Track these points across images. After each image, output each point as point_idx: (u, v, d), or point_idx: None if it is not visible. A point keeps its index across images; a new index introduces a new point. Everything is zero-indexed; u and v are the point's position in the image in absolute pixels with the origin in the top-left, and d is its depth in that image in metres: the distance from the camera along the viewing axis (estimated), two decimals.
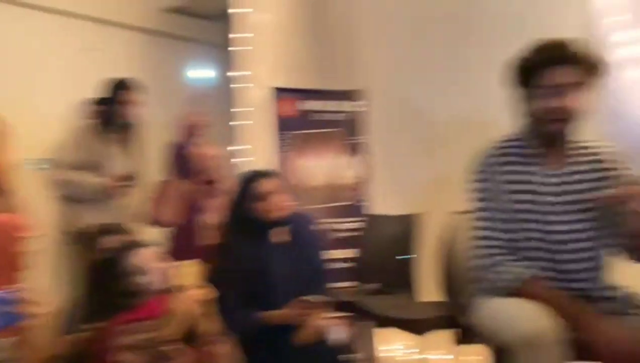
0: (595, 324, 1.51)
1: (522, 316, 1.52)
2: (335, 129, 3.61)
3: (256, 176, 2.19)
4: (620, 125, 2.74)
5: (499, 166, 1.75)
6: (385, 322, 2.56)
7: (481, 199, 1.77)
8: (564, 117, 1.68)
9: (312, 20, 3.84)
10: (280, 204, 2.13)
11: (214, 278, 2.19)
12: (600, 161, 1.73)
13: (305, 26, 3.80)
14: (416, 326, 2.40)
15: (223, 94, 3.79)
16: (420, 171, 3.43)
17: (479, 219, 1.76)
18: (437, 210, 2.32)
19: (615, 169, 1.72)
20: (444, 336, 2.24)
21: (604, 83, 2.76)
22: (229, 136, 3.48)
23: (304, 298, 2.01)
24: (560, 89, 1.65)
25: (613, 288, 1.70)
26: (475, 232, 1.77)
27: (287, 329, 1.99)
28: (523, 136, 1.78)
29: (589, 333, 1.50)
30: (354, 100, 3.65)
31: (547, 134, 1.73)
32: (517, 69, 1.73)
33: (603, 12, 2.82)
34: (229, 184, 3.24)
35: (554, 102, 1.66)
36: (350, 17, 3.86)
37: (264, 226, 2.14)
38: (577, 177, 1.71)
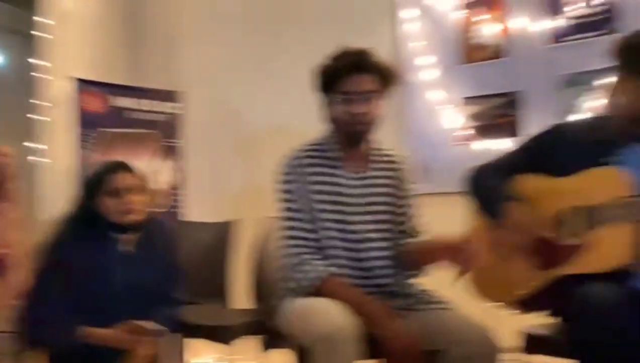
0: (385, 320, 1.58)
1: (320, 315, 1.54)
2: (150, 131, 3.41)
3: (115, 167, 1.89)
4: (419, 141, 3.00)
5: (303, 168, 1.78)
6: (195, 331, 2.44)
7: (287, 201, 1.79)
8: (366, 122, 1.76)
9: (127, 13, 3.62)
10: (136, 205, 1.86)
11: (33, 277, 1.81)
12: (398, 170, 1.85)
13: (118, 18, 3.56)
14: (225, 334, 2.32)
15: (23, 85, 3.37)
16: (237, 177, 3.38)
17: (285, 219, 1.78)
18: (254, 216, 2.29)
19: (408, 181, 1.86)
20: (253, 343, 2.21)
21: (406, 100, 3.03)
22: (27, 130, 3.09)
23: (137, 322, 1.75)
24: (362, 96, 1.73)
25: (410, 284, 1.80)
26: (282, 232, 1.77)
27: (109, 352, 1.72)
28: (326, 139, 1.84)
29: (380, 329, 1.56)
30: (172, 101, 3.49)
31: (349, 138, 1.80)
32: (320, 75, 1.79)
33: (409, 36, 3.08)
34: (18, 186, 2.86)
35: (356, 108, 1.73)
36: (168, 14, 3.71)
37: (112, 227, 1.85)
38: (377, 181, 1.81)
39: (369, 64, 1.74)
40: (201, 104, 3.48)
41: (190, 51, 3.60)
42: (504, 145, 2.74)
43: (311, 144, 1.84)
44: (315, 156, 1.81)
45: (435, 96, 3.00)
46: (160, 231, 1.98)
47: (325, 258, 1.71)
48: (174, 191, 3.46)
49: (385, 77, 1.76)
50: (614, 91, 1.67)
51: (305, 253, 1.71)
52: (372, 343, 1.57)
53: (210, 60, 3.53)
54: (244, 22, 3.48)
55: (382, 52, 3.24)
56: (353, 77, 1.72)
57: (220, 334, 2.33)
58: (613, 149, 1.69)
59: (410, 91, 3.04)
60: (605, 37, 2.50)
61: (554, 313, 1.73)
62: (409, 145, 2.92)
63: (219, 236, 2.90)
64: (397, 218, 1.81)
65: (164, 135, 3.46)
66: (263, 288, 2.07)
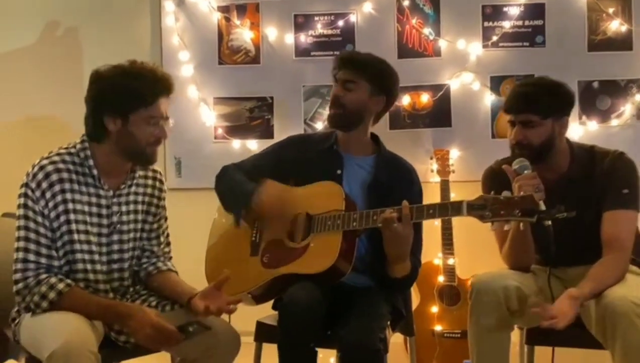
0: (133, 314, 1.65)
1: (58, 329, 1.56)
2: None
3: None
4: (179, 136, 3.03)
5: (53, 185, 1.70)
6: None
7: (25, 217, 1.69)
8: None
9: None
10: None
11: None
12: (155, 186, 1.90)
13: None
14: None
15: None
16: None
17: (20, 238, 1.69)
18: None
19: (163, 199, 1.93)
20: None
21: None
22: None
23: None
24: (165, 120, 1.79)
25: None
26: (17, 249, 1.70)
27: None
28: (85, 152, 1.76)
29: (129, 323, 1.64)
30: None
31: (137, 158, 1.78)
32: (123, 91, 1.71)
33: (171, 30, 3.07)
34: None
35: (163, 132, 1.77)
36: None
37: None
38: (131, 198, 1.84)
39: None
40: None
41: None
42: (260, 145, 2.92)
43: (65, 155, 1.75)
44: (69, 170, 1.73)
45: (193, 93, 3.07)
46: None
47: (69, 275, 1.71)
48: None
49: None
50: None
51: (38, 275, 1.67)
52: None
53: None
54: None
55: (143, 43, 3.20)
56: (162, 101, 1.74)
57: None
58: (338, 161, 1.99)
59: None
60: None
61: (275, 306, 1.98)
62: (169, 140, 2.94)
63: None
64: (145, 236, 1.88)
65: None
66: None
